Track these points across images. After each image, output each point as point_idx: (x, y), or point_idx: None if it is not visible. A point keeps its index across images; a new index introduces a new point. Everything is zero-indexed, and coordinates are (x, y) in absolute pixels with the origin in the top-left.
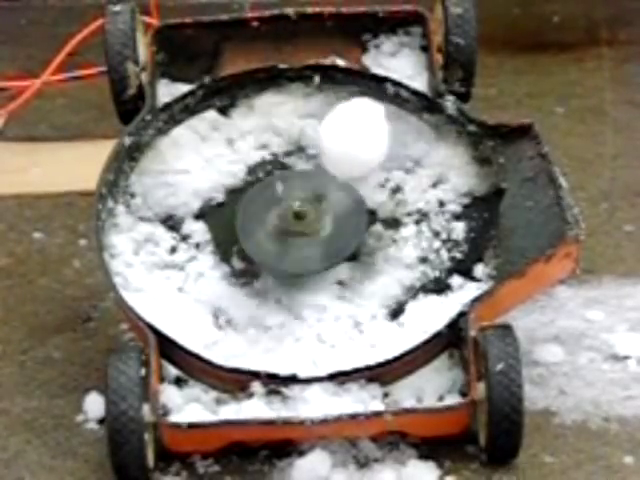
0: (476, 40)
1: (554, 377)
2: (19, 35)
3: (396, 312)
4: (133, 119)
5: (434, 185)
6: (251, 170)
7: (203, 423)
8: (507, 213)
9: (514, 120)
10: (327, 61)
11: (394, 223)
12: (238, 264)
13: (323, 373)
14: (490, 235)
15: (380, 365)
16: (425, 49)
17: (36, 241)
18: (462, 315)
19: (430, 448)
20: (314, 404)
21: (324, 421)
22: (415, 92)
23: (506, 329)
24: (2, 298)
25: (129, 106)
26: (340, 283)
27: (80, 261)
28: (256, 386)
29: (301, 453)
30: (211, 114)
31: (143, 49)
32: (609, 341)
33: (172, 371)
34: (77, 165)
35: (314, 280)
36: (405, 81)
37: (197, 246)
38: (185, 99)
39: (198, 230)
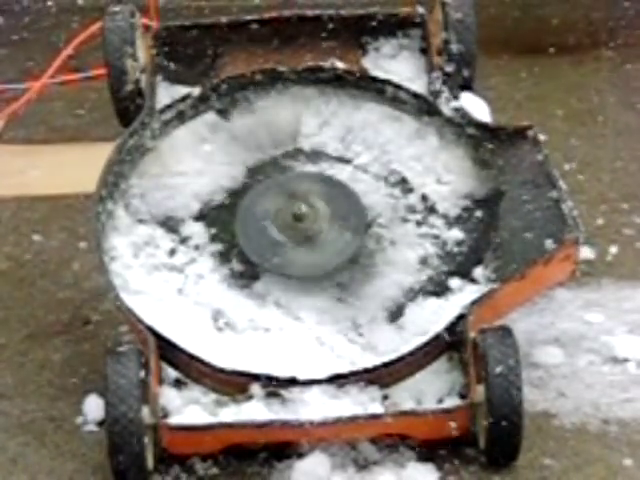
0: (476, 45)
1: (553, 379)
2: (19, 38)
3: (395, 314)
4: (131, 118)
5: (433, 187)
6: (250, 172)
7: (202, 425)
8: (506, 215)
9: (513, 123)
10: (327, 63)
11: (394, 225)
12: (237, 266)
13: (322, 375)
14: (489, 237)
15: (379, 367)
16: (424, 51)
17: (35, 243)
18: (461, 317)
19: (429, 450)
20: (313, 406)
21: (323, 423)
22: (415, 94)
23: (505, 331)
24: (1, 300)
25: (127, 103)
26: (339, 285)
27: (79, 263)
28: (255, 388)
29: (300, 455)
30: (210, 116)
31: (143, 51)
32: (608, 343)
33: (171, 373)
34: (76, 167)
35: (313, 282)
36: (404, 83)
37: (196, 248)
38: (184, 101)
39: (198, 232)
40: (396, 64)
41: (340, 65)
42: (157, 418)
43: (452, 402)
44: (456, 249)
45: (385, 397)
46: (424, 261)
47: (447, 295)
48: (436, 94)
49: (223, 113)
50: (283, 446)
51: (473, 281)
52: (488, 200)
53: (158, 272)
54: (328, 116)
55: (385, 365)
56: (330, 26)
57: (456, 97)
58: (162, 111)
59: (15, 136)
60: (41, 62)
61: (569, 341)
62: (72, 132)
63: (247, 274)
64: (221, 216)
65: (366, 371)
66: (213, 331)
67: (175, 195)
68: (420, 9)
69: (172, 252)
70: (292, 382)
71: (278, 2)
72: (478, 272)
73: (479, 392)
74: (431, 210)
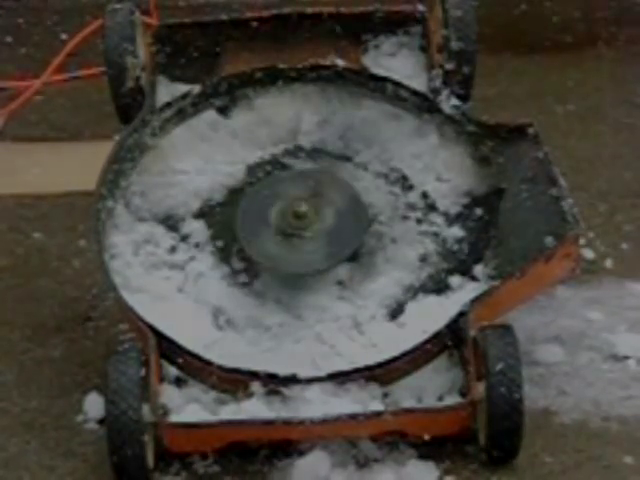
0: (476, 42)
1: (554, 377)
2: (19, 35)
3: (396, 312)
4: (131, 116)
5: (434, 185)
6: (251, 170)
7: (203, 423)
8: (507, 213)
9: (514, 120)
10: (327, 61)
11: (394, 223)
12: (238, 264)
13: (323, 373)
14: (490, 235)
15: (380, 365)
16: (424, 49)
17: (36, 241)
18: (462, 315)
19: (430, 448)
20: (314, 404)
21: (324, 421)
22: (414, 92)
23: (506, 329)
24: (2, 298)
25: (127, 100)
26: (340, 283)
27: (80, 261)
28: (256, 386)
29: (301, 453)
30: (211, 114)
31: (143, 49)
32: (609, 341)
33: (172, 371)
34: (77, 165)
35: (314, 280)
36: (404, 81)
37: (197, 246)
38: (185, 99)
39: (198, 230)
40: (396, 62)
41: (340, 63)
42: (157, 416)
43: (452, 400)
44: (456, 247)
45: (385, 395)
46: (424, 259)
47: (447, 293)
48: (436, 92)
49: (223, 111)
50: (283, 444)
51: (473, 279)
52: (488, 197)
53: (158, 270)
54: (328, 114)
55: (385, 363)
56: (330, 24)
57: (458, 95)
58: (162, 109)
59: (15, 134)
60: (41, 60)
61: (570, 339)
62: (72, 130)
63: (247, 272)
64: (221, 214)
65: (366, 369)
66: (213, 329)
67: (175, 193)
68: (420, 7)
69: (172, 250)
70: (292, 380)
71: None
72: (478, 270)
73: (479, 390)
74: (431, 208)
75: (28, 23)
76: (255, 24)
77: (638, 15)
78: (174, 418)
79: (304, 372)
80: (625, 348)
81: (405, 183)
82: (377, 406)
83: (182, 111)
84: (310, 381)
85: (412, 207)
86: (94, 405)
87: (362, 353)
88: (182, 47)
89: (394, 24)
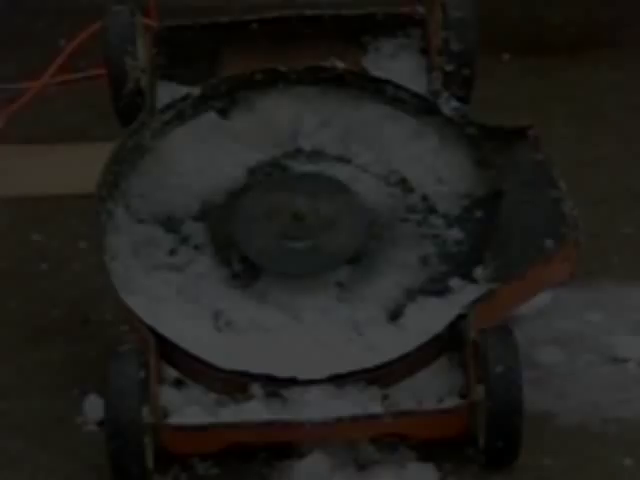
0: (476, 44)
1: (554, 379)
2: (19, 36)
3: (396, 314)
4: (131, 118)
5: (433, 187)
6: (251, 172)
7: (203, 425)
8: (506, 216)
9: (514, 122)
10: (327, 63)
11: (394, 225)
12: (238, 266)
13: (322, 375)
14: (489, 237)
15: (379, 367)
16: (425, 51)
17: (36, 243)
18: (461, 317)
19: (430, 450)
20: (313, 406)
21: (323, 423)
22: (414, 94)
23: (506, 331)
24: (1, 300)
25: (127, 102)
26: (339, 285)
27: (80, 263)
28: (255, 388)
29: (300, 455)
30: (211, 116)
31: (143, 51)
32: (608, 343)
33: (172, 373)
34: (77, 167)
35: (313, 282)
36: (404, 83)
37: (197, 248)
38: (185, 101)
39: (198, 232)
40: (396, 64)
41: (340, 65)
42: (157, 418)
43: (452, 402)
44: (456, 249)
45: (385, 397)
46: (424, 261)
47: (447, 295)
48: (436, 94)
49: (223, 113)
50: (283, 446)
51: (473, 281)
52: (488, 200)
53: (158, 272)
54: (328, 116)
55: (385, 365)
56: (330, 26)
57: (458, 97)
58: (162, 111)
59: (15, 136)
60: (41, 61)
61: (569, 341)
62: (72, 132)
63: (247, 274)
64: (221, 216)
65: (366, 371)
66: (213, 331)
67: (175, 195)
68: (420, 8)
69: (172, 252)
70: (292, 382)
71: (278, 2)
72: (478, 272)
73: (479, 392)
74: (431, 210)
75: (28, 24)
76: (255, 26)
77: (638, 16)
78: (174, 420)
79: (304, 374)
80: (625, 350)
81: (405, 185)
82: (377, 408)
83: (182, 113)
84: (310, 383)
85: (412, 209)
86: (94, 406)
87: (362, 355)
88: (182, 49)
89: (394, 26)
